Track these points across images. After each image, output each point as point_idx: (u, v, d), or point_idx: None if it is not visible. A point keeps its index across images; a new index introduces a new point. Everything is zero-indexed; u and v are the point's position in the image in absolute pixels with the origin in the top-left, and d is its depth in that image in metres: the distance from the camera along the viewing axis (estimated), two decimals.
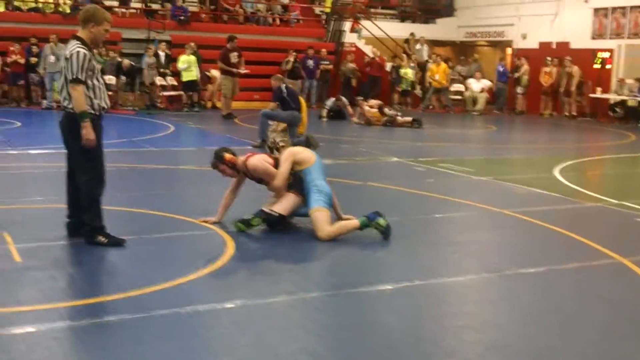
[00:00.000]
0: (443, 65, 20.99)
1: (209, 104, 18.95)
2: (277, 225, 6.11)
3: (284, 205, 6.16)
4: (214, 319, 4.14)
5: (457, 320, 4.33)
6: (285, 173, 6.19)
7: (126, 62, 17.92)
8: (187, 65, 17.74)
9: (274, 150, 6.48)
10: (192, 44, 18.31)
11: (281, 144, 6.44)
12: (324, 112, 17.25)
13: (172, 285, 4.66)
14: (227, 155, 6.30)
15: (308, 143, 6.76)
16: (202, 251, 5.58)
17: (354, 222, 6.07)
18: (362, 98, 17.08)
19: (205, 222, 6.30)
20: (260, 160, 6.33)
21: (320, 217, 5.99)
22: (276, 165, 6.30)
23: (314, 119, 15.77)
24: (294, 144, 9.44)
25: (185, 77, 17.87)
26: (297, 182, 6.23)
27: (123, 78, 17.81)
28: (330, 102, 17.56)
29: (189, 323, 4.06)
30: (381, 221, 5.99)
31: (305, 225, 6.22)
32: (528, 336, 4.09)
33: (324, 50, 20.98)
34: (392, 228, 6.02)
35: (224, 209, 6.39)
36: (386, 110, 16.40)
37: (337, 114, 17.25)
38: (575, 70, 19.56)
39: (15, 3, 18.98)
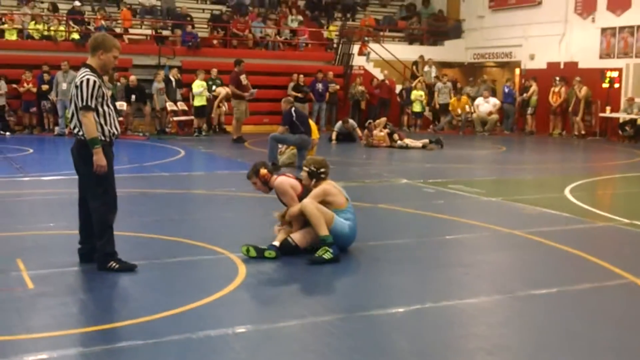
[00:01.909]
0: (464, 99, 21.12)
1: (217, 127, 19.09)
2: (290, 254, 6.10)
3: (304, 237, 6.17)
4: (225, 344, 4.14)
5: (469, 343, 4.32)
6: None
7: (133, 78, 18.07)
8: (202, 89, 17.93)
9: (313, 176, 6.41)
10: (214, 70, 18.52)
11: (323, 175, 6.37)
12: (334, 135, 17.31)
13: (184, 311, 4.67)
14: (262, 171, 6.41)
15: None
16: (214, 276, 5.60)
17: (325, 229, 5.99)
18: (371, 121, 17.11)
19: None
20: (285, 181, 6.35)
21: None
22: (304, 193, 6.30)
23: (323, 142, 15.82)
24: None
25: (198, 101, 18.05)
26: None
27: (133, 97, 17.92)
28: (338, 125, 17.63)
29: (200, 348, 4.07)
30: (327, 255, 5.91)
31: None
32: (540, 359, 4.06)
33: (330, 72, 21.10)
34: (403, 250, 5.99)
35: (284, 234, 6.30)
36: (395, 136, 16.35)
37: (346, 137, 17.30)
38: (584, 89, 19.56)
39: (28, 31, 19.23)
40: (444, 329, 4.55)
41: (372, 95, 21.50)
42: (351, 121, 17.72)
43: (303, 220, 6.21)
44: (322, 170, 6.37)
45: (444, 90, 21.69)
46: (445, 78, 21.99)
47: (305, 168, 6.44)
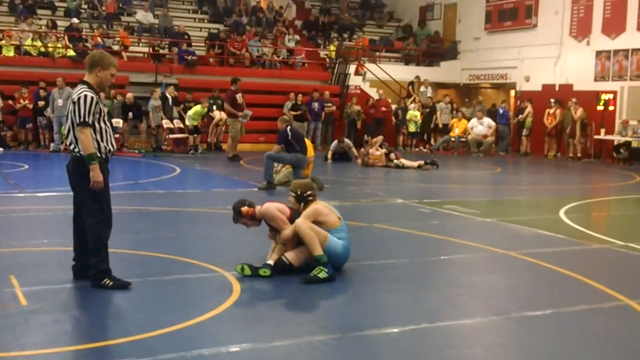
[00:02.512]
0: (464, 122, 21.23)
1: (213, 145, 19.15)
2: (285, 272, 6.09)
3: (298, 256, 6.15)
4: None
5: None
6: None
7: (129, 95, 18.14)
8: (193, 118, 18.11)
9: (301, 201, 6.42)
10: (216, 93, 18.63)
11: (310, 197, 6.37)
12: (329, 154, 17.36)
13: (178, 329, 4.65)
14: (244, 209, 6.35)
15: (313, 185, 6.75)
16: (208, 294, 5.58)
17: (319, 249, 6.00)
18: (369, 138, 17.22)
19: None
20: (270, 207, 6.34)
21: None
22: (293, 215, 6.30)
23: (319, 161, 15.85)
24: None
25: (189, 122, 18.20)
26: None
27: (130, 114, 17.99)
28: (334, 144, 17.70)
29: None
30: (322, 274, 5.92)
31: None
32: None
33: (326, 92, 21.18)
34: (398, 270, 5.99)
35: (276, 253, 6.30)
36: (392, 156, 16.40)
37: (342, 156, 17.35)
38: (580, 111, 19.69)
39: (26, 47, 19.27)
40: (439, 350, 4.53)
41: (368, 114, 21.57)
42: (347, 140, 17.78)
43: (297, 240, 6.20)
44: (309, 192, 6.37)
45: (446, 111, 21.84)
46: (447, 98, 22.20)
47: (291, 193, 6.43)
